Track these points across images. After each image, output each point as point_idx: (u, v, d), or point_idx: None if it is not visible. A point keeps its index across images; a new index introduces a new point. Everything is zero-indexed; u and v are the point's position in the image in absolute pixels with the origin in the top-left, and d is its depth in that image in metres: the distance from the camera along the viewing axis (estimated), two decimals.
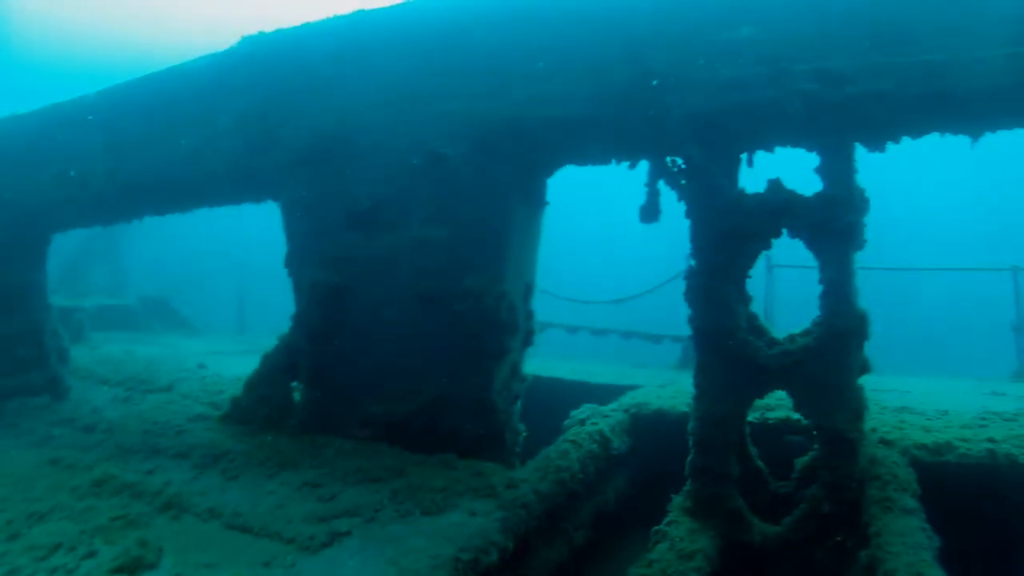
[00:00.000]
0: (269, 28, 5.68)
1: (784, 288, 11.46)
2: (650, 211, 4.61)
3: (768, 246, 4.31)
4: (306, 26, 5.44)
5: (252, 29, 5.73)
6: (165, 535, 3.72)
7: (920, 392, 6.92)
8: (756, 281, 4.52)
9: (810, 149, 4.19)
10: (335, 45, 5.29)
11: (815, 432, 4.25)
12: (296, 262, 5.54)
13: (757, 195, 4.19)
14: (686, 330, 4.48)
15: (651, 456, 5.61)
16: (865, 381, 4.18)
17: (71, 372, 7.89)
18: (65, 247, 12.02)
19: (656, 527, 4.16)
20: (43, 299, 7.73)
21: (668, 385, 6.93)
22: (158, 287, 17.20)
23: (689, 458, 4.40)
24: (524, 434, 5.21)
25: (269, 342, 5.85)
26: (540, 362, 7.62)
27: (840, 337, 4.05)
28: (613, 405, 5.97)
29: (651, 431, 5.74)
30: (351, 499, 4.14)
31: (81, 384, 7.63)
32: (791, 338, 4.28)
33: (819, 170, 4.14)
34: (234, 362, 9.13)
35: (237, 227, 16.47)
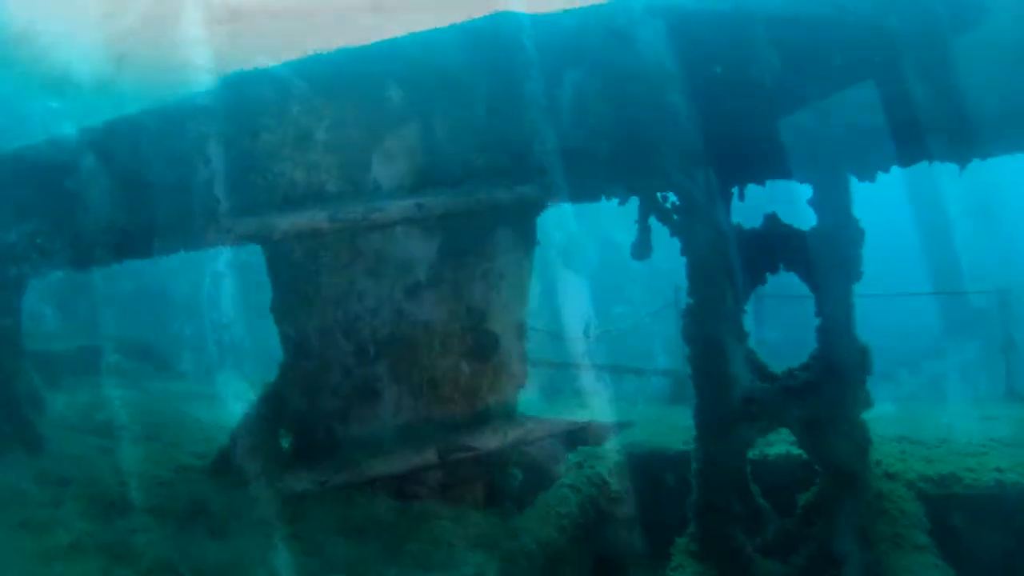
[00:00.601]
0: None
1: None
2: (642, 248, 4.56)
3: (764, 281, 4.27)
4: (289, 64, 5.32)
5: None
6: None
7: (914, 418, 6.86)
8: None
9: (803, 181, 4.16)
10: (322, 81, 5.18)
11: (817, 468, 4.17)
12: (282, 308, 5.37)
13: (753, 230, 4.15)
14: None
15: (649, 496, 5.48)
16: None
17: (46, 421, 7.62)
18: (39, 287, 11.75)
19: (662, 572, 4.05)
20: (15, 344, 7.48)
21: (659, 422, 6.83)
22: (136, 328, 16.85)
23: (691, 499, 4.30)
24: (519, 479, 5.07)
25: (254, 384, 5.68)
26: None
27: (841, 371, 3.99)
28: (607, 446, 5.84)
29: (647, 471, 5.63)
30: (343, 554, 3.98)
31: (56, 433, 7.35)
32: (790, 373, 4.21)
33: (813, 203, 4.10)
34: (217, 407, 8.89)
35: (215, 264, 16.26)
